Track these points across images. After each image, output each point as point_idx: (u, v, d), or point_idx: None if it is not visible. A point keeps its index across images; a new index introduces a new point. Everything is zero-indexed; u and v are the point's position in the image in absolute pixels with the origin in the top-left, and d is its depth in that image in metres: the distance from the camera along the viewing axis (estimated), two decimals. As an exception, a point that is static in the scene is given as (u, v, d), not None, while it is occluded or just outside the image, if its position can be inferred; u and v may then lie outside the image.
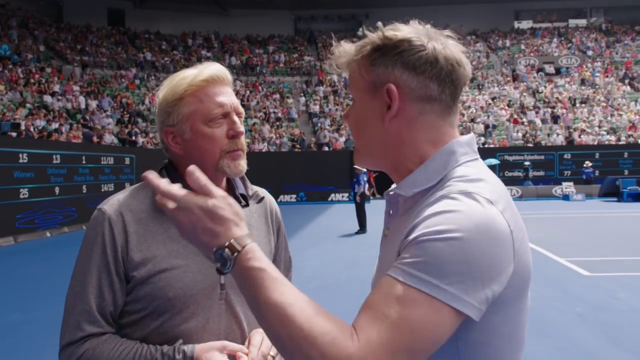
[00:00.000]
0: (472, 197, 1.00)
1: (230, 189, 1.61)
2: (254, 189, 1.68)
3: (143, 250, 1.41)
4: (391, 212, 1.20)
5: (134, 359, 1.34)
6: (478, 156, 1.16)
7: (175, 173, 1.54)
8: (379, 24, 1.16)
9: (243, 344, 1.49)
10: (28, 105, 21.03)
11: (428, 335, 0.92)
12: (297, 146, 28.50)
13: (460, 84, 1.15)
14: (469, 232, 0.94)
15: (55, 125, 19.68)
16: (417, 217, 1.02)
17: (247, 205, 1.61)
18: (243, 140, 1.53)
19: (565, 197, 24.74)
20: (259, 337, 1.47)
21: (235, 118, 1.50)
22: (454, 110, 1.16)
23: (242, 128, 1.51)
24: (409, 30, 1.14)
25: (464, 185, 1.04)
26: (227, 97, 1.50)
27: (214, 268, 1.43)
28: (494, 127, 29.57)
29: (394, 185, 1.20)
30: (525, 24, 46.87)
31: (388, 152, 1.15)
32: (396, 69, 1.11)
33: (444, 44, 1.13)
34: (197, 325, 1.42)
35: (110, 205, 1.45)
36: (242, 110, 1.54)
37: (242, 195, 1.61)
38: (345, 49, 1.19)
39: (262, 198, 1.69)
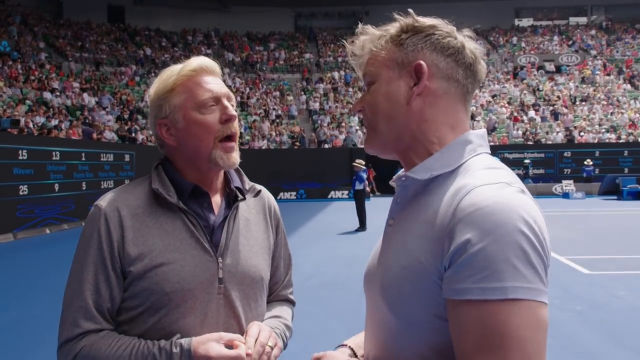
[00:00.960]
0: (508, 187, 1.00)
1: (226, 183, 1.60)
2: (250, 183, 1.67)
3: (139, 245, 1.41)
4: (399, 200, 1.18)
5: (132, 354, 1.33)
6: (489, 151, 1.18)
7: (172, 168, 1.53)
8: (410, 10, 1.19)
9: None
10: (28, 101, 21.00)
11: (537, 337, 0.92)
12: (297, 144, 28.47)
13: (479, 77, 1.18)
14: (517, 223, 0.93)
15: (54, 122, 19.66)
16: (445, 207, 1.01)
17: (243, 198, 1.60)
18: (236, 125, 1.53)
19: (565, 195, 24.75)
20: (255, 328, 1.45)
21: (227, 103, 1.51)
22: (470, 99, 1.19)
23: (234, 112, 1.51)
24: (437, 20, 1.18)
25: (492, 174, 1.04)
26: (217, 84, 1.52)
27: (211, 262, 1.45)
28: (494, 129, 29.51)
29: (401, 171, 1.19)
30: (526, 22, 46.86)
31: (407, 130, 1.15)
32: (426, 49, 1.14)
33: (467, 39, 1.18)
34: (195, 321, 1.41)
35: (107, 200, 1.45)
36: (232, 96, 1.55)
37: (237, 188, 1.59)
38: (369, 31, 1.21)
39: (259, 191, 1.69)
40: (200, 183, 1.52)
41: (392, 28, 1.18)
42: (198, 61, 1.51)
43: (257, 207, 1.65)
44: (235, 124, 1.52)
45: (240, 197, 1.59)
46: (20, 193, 14.23)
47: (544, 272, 0.95)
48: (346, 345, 1.35)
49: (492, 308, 0.90)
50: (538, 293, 0.92)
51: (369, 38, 1.20)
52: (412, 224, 1.08)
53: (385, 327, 1.11)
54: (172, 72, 1.51)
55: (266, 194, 1.72)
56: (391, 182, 1.23)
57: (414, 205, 1.11)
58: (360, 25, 1.23)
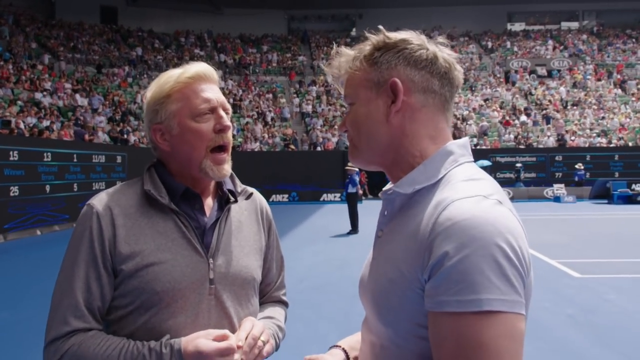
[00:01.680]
0: (485, 199, 1.02)
1: (219, 186, 1.61)
2: (242, 186, 1.68)
3: (131, 244, 1.41)
4: (386, 212, 1.21)
5: (120, 354, 1.32)
6: (472, 159, 1.19)
7: (164, 171, 1.55)
8: (380, 27, 1.20)
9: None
10: (19, 102, 20.89)
11: (512, 347, 0.94)
12: (292, 146, 28.46)
13: (456, 83, 1.19)
14: (493, 237, 0.95)
15: (46, 123, 19.56)
16: (426, 220, 1.03)
17: (235, 201, 1.61)
18: (229, 135, 1.54)
19: (557, 199, 24.86)
20: (249, 323, 1.46)
21: (222, 113, 1.52)
22: (450, 108, 1.20)
23: (228, 122, 1.52)
24: (408, 34, 1.19)
25: (471, 186, 1.06)
26: (214, 93, 1.52)
27: (202, 263, 1.45)
28: (485, 134, 29.62)
29: (389, 185, 1.21)
30: (518, 26, 47.11)
31: (390, 147, 1.17)
32: (399, 65, 1.15)
33: (440, 48, 1.19)
34: (186, 321, 1.41)
35: (99, 200, 1.46)
36: (228, 106, 1.56)
37: (230, 191, 1.61)
38: (344, 52, 1.23)
39: (251, 194, 1.70)
40: (192, 186, 1.53)
41: (366, 47, 1.19)
42: (196, 68, 1.52)
43: (249, 209, 1.66)
44: (229, 134, 1.53)
45: (232, 199, 1.60)
46: (11, 194, 14.14)
47: (521, 283, 0.97)
48: (339, 346, 1.37)
49: (467, 320, 0.93)
50: (513, 305, 0.94)
51: (345, 59, 1.22)
52: (397, 236, 1.11)
53: (377, 336, 1.15)
54: (170, 78, 1.51)
55: (258, 196, 1.73)
56: (380, 195, 1.26)
57: (400, 218, 1.14)
58: (334, 47, 1.25)
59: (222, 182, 1.60)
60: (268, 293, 1.76)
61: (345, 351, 1.35)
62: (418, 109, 1.15)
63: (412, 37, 1.18)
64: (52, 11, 39.00)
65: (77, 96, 24.87)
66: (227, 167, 1.53)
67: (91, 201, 1.46)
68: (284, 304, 1.82)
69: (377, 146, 1.17)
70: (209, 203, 1.57)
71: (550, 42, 41.56)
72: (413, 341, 1.05)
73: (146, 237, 1.43)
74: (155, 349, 1.33)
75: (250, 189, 1.71)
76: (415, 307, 1.02)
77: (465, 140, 1.20)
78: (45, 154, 15.60)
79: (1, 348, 5.52)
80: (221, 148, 1.51)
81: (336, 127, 29.87)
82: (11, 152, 14.20)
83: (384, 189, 1.21)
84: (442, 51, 1.18)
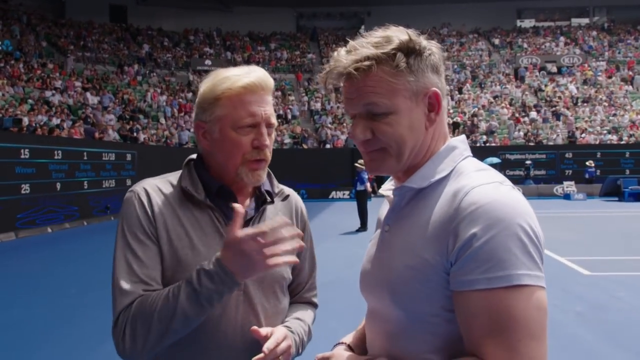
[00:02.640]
0: (501, 185, 1.10)
1: (258, 187, 1.64)
2: (279, 187, 1.72)
3: (169, 232, 1.47)
4: (393, 208, 1.23)
5: (170, 290, 1.36)
6: (471, 153, 1.25)
7: (202, 166, 1.59)
8: (402, 28, 1.19)
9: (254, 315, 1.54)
10: (30, 101, 21.03)
11: (540, 317, 1.01)
12: (303, 145, 28.47)
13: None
14: (515, 218, 1.03)
15: (56, 121, 19.69)
16: (446, 207, 1.09)
17: (272, 202, 1.65)
18: (267, 152, 1.54)
19: (567, 196, 24.74)
20: (281, 333, 1.47)
21: (264, 130, 1.52)
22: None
23: (267, 141, 1.52)
24: (412, 33, 1.18)
25: (485, 175, 1.13)
26: (262, 107, 1.51)
27: None
28: (492, 132, 29.47)
29: (391, 183, 1.26)
30: (528, 23, 46.81)
31: (420, 152, 1.20)
32: (428, 72, 1.17)
33: (431, 42, 1.21)
34: (214, 314, 1.44)
35: (141, 188, 1.52)
36: (274, 121, 1.56)
37: (267, 192, 1.64)
38: (363, 52, 1.14)
39: (287, 196, 1.74)
40: (228, 184, 1.56)
41: (391, 50, 1.13)
42: (251, 78, 1.50)
43: (284, 209, 1.70)
44: (267, 151, 1.53)
45: (269, 200, 1.64)
46: (22, 192, 14.26)
47: (541, 260, 1.04)
48: (344, 343, 1.39)
49: (499, 295, 1.00)
50: (538, 279, 1.01)
51: (368, 63, 1.13)
52: (411, 227, 1.15)
53: (393, 323, 1.17)
54: (225, 80, 1.50)
55: (295, 197, 1.77)
56: (381, 191, 1.30)
57: (410, 211, 1.18)
58: (340, 50, 1.18)
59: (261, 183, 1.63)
60: (299, 293, 1.76)
61: (350, 348, 1.37)
62: (442, 112, 1.21)
63: (420, 38, 1.18)
64: (62, 10, 39.20)
65: (88, 94, 25.01)
66: (263, 174, 1.56)
67: (134, 188, 1.52)
68: (314, 305, 1.82)
69: (413, 153, 1.19)
70: (246, 202, 1.60)
71: (560, 38, 41.29)
72: (437, 323, 1.10)
73: (182, 229, 1.48)
74: (195, 269, 1.36)
75: (288, 191, 1.76)
76: (440, 291, 1.08)
77: (463, 136, 1.27)
78: (55, 152, 15.72)
79: (12, 345, 5.57)
80: (258, 160, 1.53)
81: (345, 125, 29.86)
82: (22, 150, 14.33)
83: (392, 186, 1.25)
84: (437, 49, 1.20)
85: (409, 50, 1.14)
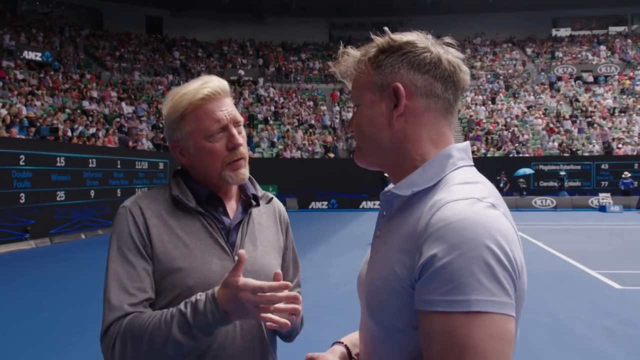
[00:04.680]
0: (478, 202, 1.02)
1: (242, 191, 1.71)
2: (262, 191, 1.77)
3: (164, 243, 1.52)
4: (385, 213, 1.22)
5: (162, 316, 1.39)
6: (472, 163, 1.20)
7: (188, 177, 1.65)
8: (386, 28, 1.21)
9: (260, 333, 1.58)
10: (67, 110, 21.59)
11: (500, 348, 0.95)
12: (331, 154, 28.53)
13: (461, 86, 1.19)
14: (484, 239, 0.96)
15: (92, 130, 20.16)
16: (420, 221, 1.05)
17: (257, 205, 1.70)
18: (242, 150, 1.61)
19: (602, 209, 24.14)
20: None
21: (234, 130, 1.58)
22: (454, 111, 1.20)
23: (240, 139, 1.59)
24: (413, 35, 1.20)
25: (466, 188, 1.07)
26: (224, 110, 1.58)
27: (229, 260, 1.54)
28: (522, 143, 28.99)
29: (390, 186, 1.24)
30: (564, 32, 46.06)
31: (392, 150, 1.18)
32: (402, 69, 1.15)
33: (446, 49, 1.18)
34: None
35: (132, 203, 1.58)
36: (240, 119, 1.62)
37: (253, 195, 1.70)
38: (351, 53, 1.24)
39: (271, 199, 1.80)
40: (215, 190, 1.63)
41: (371, 49, 1.20)
42: (207, 89, 1.56)
43: (267, 212, 1.76)
44: (242, 149, 1.61)
45: (254, 203, 1.70)
46: (58, 199, 14.64)
47: (512, 286, 0.98)
48: (342, 342, 1.40)
49: (457, 320, 0.94)
50: (503, 306, 0.95)
51: (351, 60, 1.23)
52: (394, 236, 1.12)
53: (369, 333, 1.18)
54: (184, 97, 1.57)
55: (276, 201, 1.84)
56: (380, 194, 1.28)
57: (398, 219, 1.15)
58: (341, 47, 1.27)
59: (246, 187, 1.70)
60: None
61: (347, 347, 1.38)
62: (421, 113, 1.16)
63: (417, 39, 1.18)
64: (101, 22, 40.21)
65: (123, 104, 25.56)
66: (245, 172, 1.62)
67: (125, 204, 1.59)
68: None
69: (380, 149, 1.19)
70: (233, 206, 1.67)
71: (597, 47, 40.52)
72: (404, 339, 1.07)
73: (177, 237, 1.53)
74: (190, 301, 1.39)
75: (270, 195, 1.82)
76: (406, 305, 1.03)
77: (466, 144, 1.21)
78: (90, 160, 16.10)
79: (43, 347, 5.73)
80: (237, 160, 1.60)
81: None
82: (58, 159, 14.72)
83: (383, 190, 1.23)
84: (447, 53, 1.17)
85: (384, 48, 1.18)
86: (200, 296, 1.38)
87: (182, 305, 1.39)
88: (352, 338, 1.41)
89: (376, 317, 1.12)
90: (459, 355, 0.93)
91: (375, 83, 1.18)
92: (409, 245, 1.04)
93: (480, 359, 0.92)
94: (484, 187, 1.09)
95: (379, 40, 1.20)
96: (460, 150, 1.18)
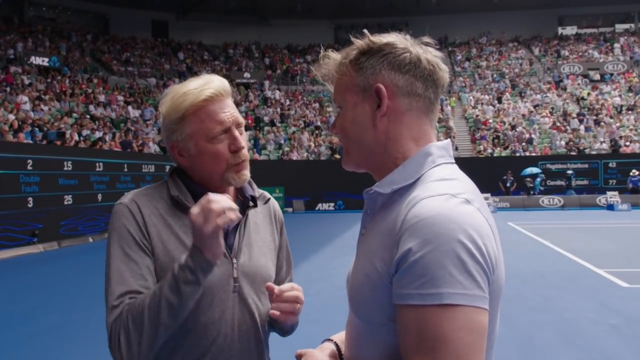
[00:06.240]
0: (452, 198, 1.05)
1: (240, 192, 1.69)
2: (259, 191, 1.77)
3: (163, 242, 1.50)
4: (369, 211, 1.25)
5: (159, 286, 1.39)
6: (453, 160, 1.21)
7: (186, 177, 1.63)
8: (365, 31, 1.23)
9: (256, 334, 1.59)
10: (74, 114, 21.71)
11: (471, 340, 0.97)
12: (337, 155, 28.54)
13: (441, 84, 1.21)
14: (456, 233, 0.99)
15: (99, 134, 20.26)
16: (398, 217, 1.07)
17: (255, 206, 1.70)
18: (245, 152, 1.60)
19: (610, 207, 24.01)
20: (298, 291, 1.57)
21: (236, 133, 1.56)
22: (435, 109, 1.23)
23: (242, 142, 1.58)
24: (392, 37, 1.21)
25: (441, 185, 1.09)
26: (227, 111, 1.56)
27: (227, 262, 1.55)
28: (530, 141, 28.85)
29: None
30: (570, 30, 45.84)
31: (376, 150, 1.20)
32: (383, 70, 1.17)
33: (425, 49, 1.20)
34: (214, 316, 1.50)
35: (129, 200, 1.54)
36: (242, 120, 1.61)
37: (251, 196, 1.69)
38: (332, 56, 1.26)
39: (268, 199, 1.79)
40: (213, 190, 1.59)
41: (352, 51, 1.22)
42: (210, 91, 1.54)
43: (263, 212, 1.75)
44: (244, 151, 1.59)
45: (252, 204, 1.69)
46: (65, 203, 14.72)
47: (485, 279, 1.00)
48: (332, 340, 1.42)
49: (428, 312, 0.97)
50: (474, 299, 0.97)
51: (333, 63, 1.25)
52: (375, 233, 1.15)
53: (354, 328, 1.21)
54: (185, 97, 1.54)
55: (273, 201, 1.83)
56: (364, 193, 1.30)
57: (380, 216, 1.18)
58: (322, 51, 1.30)
59: (244, 189, 1.68)
60: None
61: (336, 344, 1.39)
62: (403, 112, 1.18)
63: (396, 40, 1.20)
64: (107, 26, 40.40)
65: (129, 108, 25.67)
66: (247, 173, 1.61)
67: (122, 200, 1.54)
68: None
69: (365, 149, 1.21)
70: None
71: (603, 45, 40.33)
72: (385, 333, 1.09)
73: (176, 237, 1.51)
74: (179, 263, 1.39)
75: (268, 195, 1.81)
76: (386, 300, 1.06)
77: (446, 142, 1.23)
78: (97, 164, 16.18)
79: (51, 348, 5.77)
80: (240, 162, 1.59)
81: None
82: (65, 162, 14.80)
83: (367, 189, 1.25)
84: (426, 52, 1.20)
85: (364, 50, 1.20)
86: (185, 255, 1.39)
87: (171, 272, 1.39)
88: (342, 336, 1.42)
89: (359, 312, 1.15)
90: (431, 347, 0.96)
91: (357, 85, 1.20)
92: (388, 242, 1.07)
93: (451, 351, 0.95)
94: (460, 184, 1.11)
95: (359, 42, 1.22)
96: (440, 148, 1.19)
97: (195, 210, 1.35)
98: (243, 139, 1.60)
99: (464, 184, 1.12)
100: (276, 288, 1.48)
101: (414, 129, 1.19)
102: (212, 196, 1.36)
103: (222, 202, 1.36)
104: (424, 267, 0.97)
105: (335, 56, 1.25)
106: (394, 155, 1.19)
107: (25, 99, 20.29)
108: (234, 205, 1.38)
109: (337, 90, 1.25)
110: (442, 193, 1.06)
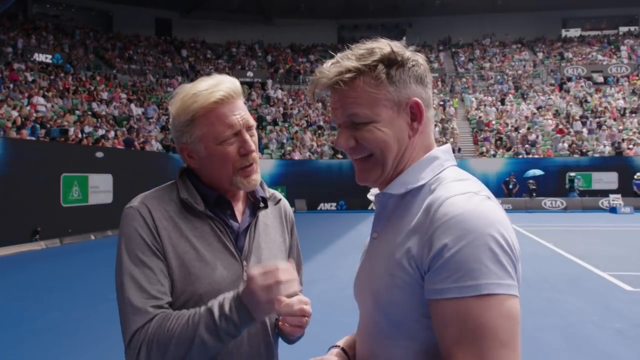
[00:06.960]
0: (475, 196, 1.11)
1: (251, 193, 1.67)
2: (270, 191, 1.75)
3: (174, 246, 1.47)
4: (380, 215, 1.26)
5: (189, 318, 1.35)
6: (455, 163, 1.27)
7: (195, 177, 1.60)
8: (382, 40, 1.23)
9: (266, 338, 1.57)
10: (77, 112, 21.70)
11: (510, 326, 1.02)
12: (340, 155, 28.52)
13: (429, 87, 1.26)
14: (486, 228, 1.05)
15: (102, 132, 20.25)
16: (421, 216, 1.11)
17: (266, 206, 1.68)
18: (254, 155, 1.57)
19: (613, 210, 23.96)
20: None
21: (247, 136, 1.54)
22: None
23: (252, 146, 1.55)
24: (396, 45, 1.21)
25: (461, 185, 1.14)
26: (237, 114, 1.53)
27: (237, 265, 1.52)
28: (534, 144, 28.77)
29: (375, 190, 1.28)
30: (574, 32, 45.78)
31: (402, 161, 1.23)
32: (411, 83, 1.19)
33: (417, 57, 1.24)
34: None
35: (139, 203, 1.51)
36: (252, 122, 1.58)
37: (262, 198, 1.67)
38: (346, 64, 1.19)
39: (279, 200, 1.77)
40: (223, 193, 1.59)
41: (370, 60, 1.17)
42: (220, 93, 1.50)
43: (274, 212, 1.73)
44: (254, 154, 1.57)
45: (263, 205, 1.67)
46: (68, 199, 14.70)
47: (513, 269, 1.06)
48: (338, 346, 1.41)
49: (468, 304, 1.02)
50: (509, 287, 1.03)
51: (350, 75, 1.18)
52: (394, 235, 1.17)
53: (376, 330, 1.20)
54: (195, 99, 1.50)
55: (284, 201, 1.81)
56: (369, 196, 1.32)
57: (395, 218, 1.20)
58: (326, 63, 1.24)
59: (254, 190, 1.66)
60: None
61: (344, 350, 1.39)
62: (427, 123, 1.23)
63: (409, 52, 1.21)
64: (110, 24, 40.43)
65: (132, 106, 25.66)
66: (257, 177, 1.58)
67: (131, 204, 1.52)
68: None
69: (400, 163, 1.23)
70: (240, 209, 1.63)
71: (607, 47, 40.24)
72: (416, 331, 1.13)
73: (187, 241, 1.49)
74: (217, 300, 1.36)
75: (279, 195, 1.78)
76: (417, 297, 1.10)
77: (448, 146, 1.29)
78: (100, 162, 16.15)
79: (51, 346, 5.75)
80: (249, 166, 1.56)
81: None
82: (68, 160, 14.78)
83: (376, 192, 1.27)
84: (422, 60, 1.23)
85: (391, 62, 1.18)
86: (227, 295, 1.36)
87: (209, 305, 1.36)
88: (348, 341, 1.44)
89: (388, 312, 1.16)
90: (474, 336, 1.01)
91: (392, 100, 1.19)
92: (414, 241, 1.11)
93: (494, 337, 1.00)
94: (475, 183, 1.17)
95: (381, 51, 1.18)
96: (445, 152, 1.25)
97: (257, 274, 1.31)
98: (254, 141, 1.57)
99: (478, 183, 1.18)
100: (283, 301, 1.39)
101: (427, 137, 1.25)
102: (282, 266, 1.33)
103: (290, 274, 1.34)
104: (460, 262, 1.02)
105: (349, 65, 1.18)
106: (404, 162, 1.23)
107: (42, 100, 20.35)
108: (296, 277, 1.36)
109: (365, 104, 1.18)
110: (465, 192, 1.11)
